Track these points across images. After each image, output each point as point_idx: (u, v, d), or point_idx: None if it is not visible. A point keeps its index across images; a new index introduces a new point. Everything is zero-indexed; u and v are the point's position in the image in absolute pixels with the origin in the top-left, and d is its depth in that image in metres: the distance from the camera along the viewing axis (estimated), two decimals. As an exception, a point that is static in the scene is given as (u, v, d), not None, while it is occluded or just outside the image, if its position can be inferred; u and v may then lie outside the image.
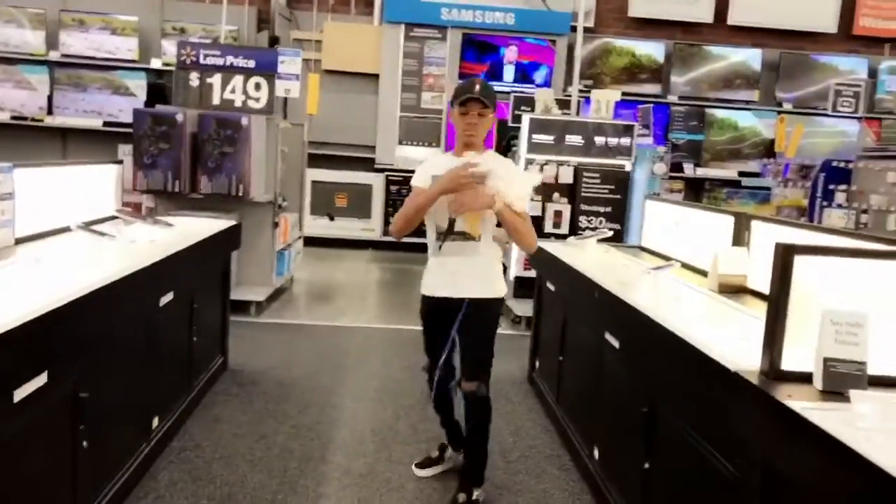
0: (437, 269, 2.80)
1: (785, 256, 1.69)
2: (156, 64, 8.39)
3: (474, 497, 2.79)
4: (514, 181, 2.66)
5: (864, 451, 1.32)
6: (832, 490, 1.44)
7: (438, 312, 2.81)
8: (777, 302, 1.72)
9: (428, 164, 2.81)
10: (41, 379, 1.94)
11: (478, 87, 2.64)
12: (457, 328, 2.74)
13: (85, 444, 2.26)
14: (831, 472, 1.43)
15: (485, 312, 2.77)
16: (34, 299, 1.98)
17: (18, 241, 2.81)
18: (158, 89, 8.34)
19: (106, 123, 8.25)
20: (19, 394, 1.85)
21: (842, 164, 6.31)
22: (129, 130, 7.88)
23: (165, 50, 8.33)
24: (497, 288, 2.80)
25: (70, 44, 8.22)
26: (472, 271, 2.74)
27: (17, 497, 1.95)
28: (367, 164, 8.91)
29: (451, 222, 2.68)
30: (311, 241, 7.59)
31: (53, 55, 8.21)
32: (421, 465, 3.06)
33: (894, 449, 1.34)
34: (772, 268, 1.74)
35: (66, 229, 3.01)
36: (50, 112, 8.27)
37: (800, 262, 1.70)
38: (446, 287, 2.76)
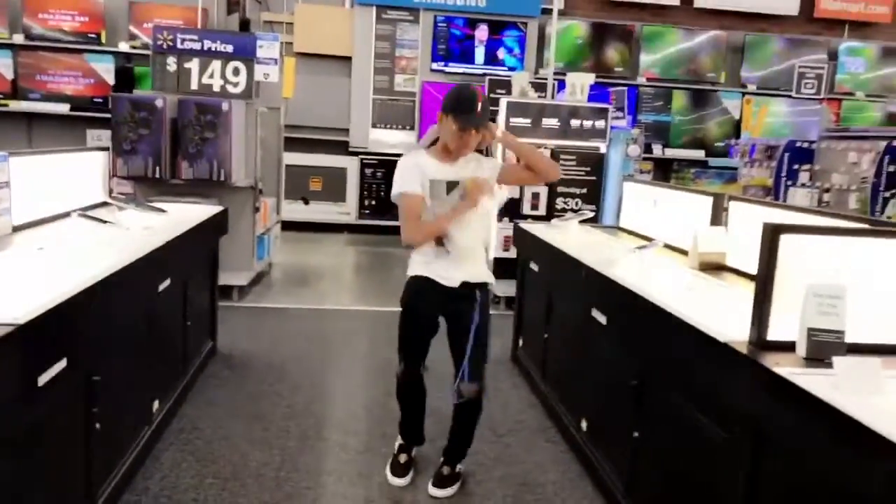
0: (435, 262, 2.74)
1: (772, 235, 1.83)
2: (123, 47, 8.26)
3: (457, 469, 2.91)
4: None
5: (846, 409, 1.47)
6: (817, 446, 1.59)
7: (439, 299, 2.74)
8: (764, 277, 1.86)
9: (416, 170, 2.70)
10: (61, 364, 2.00)
11: (479, 108, 2.60)
12: (476, 317, 2.73)
13: (98, 426, 2.33)
14: (817, 430, 1.58)
15: (487, 301, 2.82)
16: (52, 287, 2.04)
17: (16, 229, 2.84)
18: (127, 73, 8.23)
19: (73, 108, 8.13)
20: (42, 379, 1.91)
21: (805, 145, 6.57)
22: (97, 115, 7.91)
23: (134, 33, 8.20)
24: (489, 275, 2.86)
25: (33, 26, 8.05)
26: (474, 261, 2.77)
27: (39, 477, 2.01)
28: (342, 148, 8.93)
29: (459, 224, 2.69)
30: (286, 226, 7.62)
31: (17, 38, 8.03)
32: (396, 474, 2.92)
33: (873, 406, 1.49)
34: (760, 246, 1.88)
35: (64, 216, 3.03)
36: (14, 97, 8.10)
37: (785, 240, 1.85)
38: (452, 277, 2.72)
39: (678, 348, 2.25)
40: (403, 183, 2.73)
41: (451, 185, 2.72)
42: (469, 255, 2.76)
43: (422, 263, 2.79)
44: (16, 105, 8.08)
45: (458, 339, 2.80)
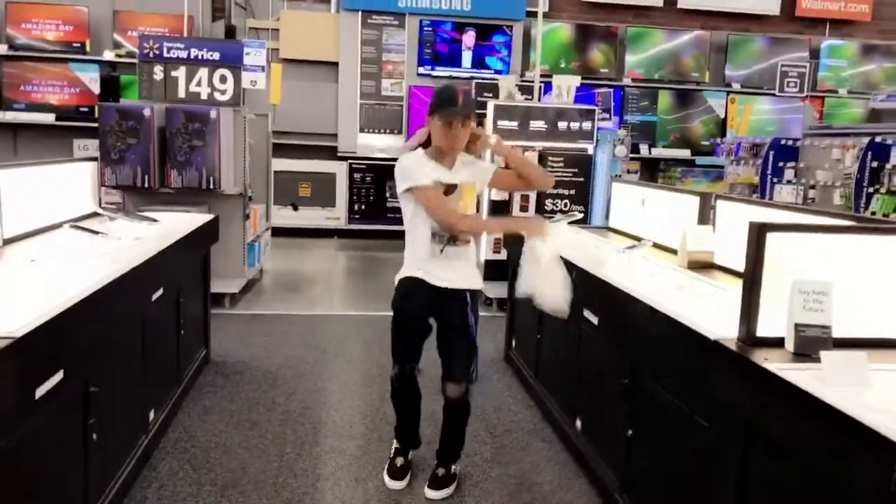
0: (428, 261, 2.77)
1: (759, 233, 1.87)
2: (108, 56, 8.25)
3: (452, 470, 2.95)
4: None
5: (833, 402, 1.51)
6: (805, 439, 1.63)
7: (429, 298, 2.77)
8: (752, 275, 1.90)
9: (421, 168, 2.72)
10: (57, 376, 2.01)
11: (461, 99, 2.65)
12: (464, 318, 2.78)
13: (94, 436, 2.34)
14: (805, 423, 1.62)
15: (476, 304, 2.87)
16: (47, 299, 2.05)
17: (7, 242, 2.84)
18: (112, 82, 8.20)
19: (59, 118, 8.10)
20: (40, 391, 1.92)
21: (789, 143, 6.65)
22: (83, 125, 7.89)
23: (119, 41, 8.20)
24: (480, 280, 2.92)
25: (17, 36, 8.02)
26: (466, 263, 2.83)
27: (37, 488, 2.02)
28: (330, 153, 8.95)
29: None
30: (276, 232, 7.62)
31: (1, 49, 8.00)
32: (393, 477, 2.93)
33: (861, 400, 1.53)
34: (746, 244, 1.92)
35: (55, 227, 3.04)
36: (-1, 107, 8.08)
37: (771, 238, 1.89)
38: (444, 278, 2.76)
39: (669, 346, 2.28)
40: (414, 177, 2.71)
41: (450, 188, 2.75)
42: (462, 255, 2.81)
43: (415, 264, 2.81)
44: (1, 116, 8.04)
45: (446, 339, 2.84)
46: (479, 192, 2.93)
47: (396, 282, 2.87)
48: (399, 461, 3.00)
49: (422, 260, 2.79)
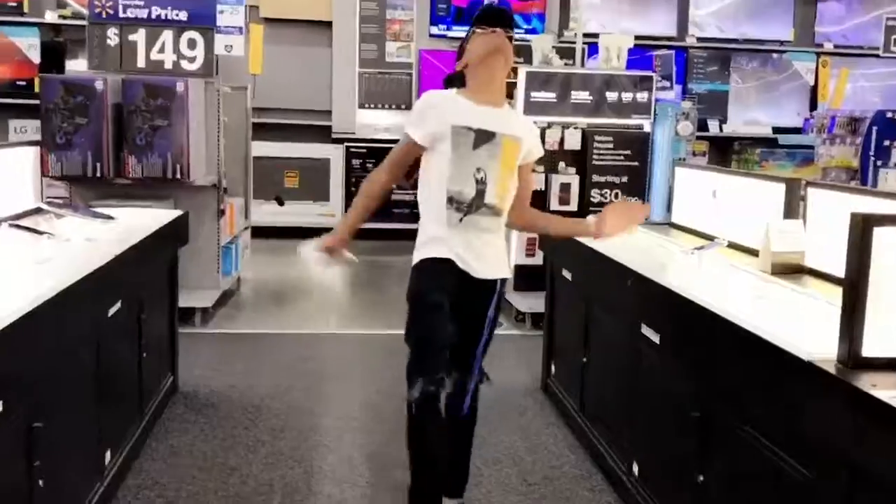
0: (448, 234, 2.79)
1: (863, 228, 1.86)
2: (50, 17, 8.36)
3: None
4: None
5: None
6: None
7: (457, 285, 2.78)
8: (855, 280, 1.89)
9: (434, 111, 2.80)
10: (-4, 409, 2.04)
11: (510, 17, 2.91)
12: (492, 310, 2.89)
13: (41, 482, 2.37)
14: (927, 466, 1.61)
15: (503, 294, 2.98)
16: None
17: (-68, 245, 2.90)
18: (56, 49, 8.30)
19: (-8, 94, 8.23)
20: (-26, 427, 1.95)
21: (898, 115, 6.59)
22: (21, 102, 8.00)
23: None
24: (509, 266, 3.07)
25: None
26: (496, 243, 2.90)
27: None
28: (323, 134, 9.01)
29: (480, 192, 2.75)
30: (257, 232, 7.68)
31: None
32: None
33: None
34: (847, 242, 1.91)
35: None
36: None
37: (879, 233, 1.88)
38: (474, 266, 2.81)
39: (750, 370, 2.28)
40: (408, 121, 2.88)
41: (482, 137, 2.75)
42: (491, 228, 2.84)
43: (437, 241, 2.81)
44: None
45: (467, 329, 2.88)
46: (524, 160, 2.90)
47: (415, 261, 2.87)
48: None
49: (441, 235, 2.80)
